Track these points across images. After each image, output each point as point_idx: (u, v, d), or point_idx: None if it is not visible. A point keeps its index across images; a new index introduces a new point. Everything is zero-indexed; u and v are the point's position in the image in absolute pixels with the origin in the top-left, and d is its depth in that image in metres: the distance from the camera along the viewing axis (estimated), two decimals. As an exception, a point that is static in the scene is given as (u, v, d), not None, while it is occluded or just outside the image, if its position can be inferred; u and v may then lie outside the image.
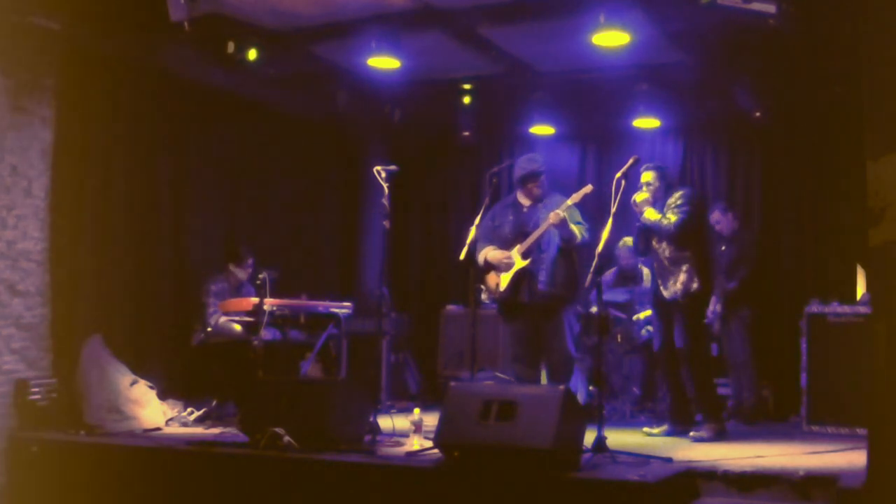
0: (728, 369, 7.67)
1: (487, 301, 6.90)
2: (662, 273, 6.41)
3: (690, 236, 6.36)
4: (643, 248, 6.60)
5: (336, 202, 9.68)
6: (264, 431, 5.36)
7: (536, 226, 6.39)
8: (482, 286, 6.70)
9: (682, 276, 6.30)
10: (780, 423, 7.52)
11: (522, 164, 6.62)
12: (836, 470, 4.78)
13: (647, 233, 6.47)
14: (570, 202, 6.30)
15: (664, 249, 6.39)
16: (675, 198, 6.36)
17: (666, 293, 6.36)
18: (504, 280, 6.45)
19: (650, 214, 6.34)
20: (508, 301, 6.49)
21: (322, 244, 9.48)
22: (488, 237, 6.57)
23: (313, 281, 8.66)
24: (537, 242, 6.37)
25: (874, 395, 4.32)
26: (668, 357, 6.48)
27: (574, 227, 6.34)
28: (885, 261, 4.28)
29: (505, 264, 6.43)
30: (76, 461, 5.80)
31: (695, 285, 6.29)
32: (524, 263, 6.38)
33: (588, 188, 6.32)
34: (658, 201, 6.40)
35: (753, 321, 7.65)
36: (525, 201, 6.60)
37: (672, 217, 6.28)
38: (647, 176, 6.48)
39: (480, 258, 6.53)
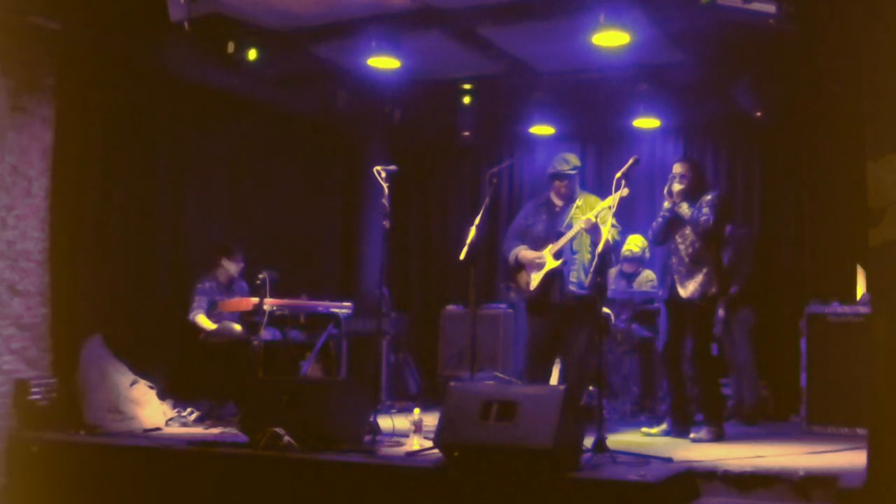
0: (729, 369, 7.67)
1: (515, 299, 6.88)
2: (681, 272, 6.33)
3: (717, 237, 6.34)
4: (663, 239, 6.49)
5: (336, 202, 9.68)
6: (264, 431, 5.35)
7: (570, 226, 6.39)
8: (511, 284, 6.71)
9: (702, 278, 6.25)
10: (780, 423, 7.51)
11: (553, 163, 6.63)
12: (836, 470, 4.77)
13: (675, 225, 6.37)
14: (605, 204, 6.23)
15: (688, 246, 6.31)
16: (711, 196, 6.30)
17: (683, 293, 6.29)
18: (535, 279, 6.46)
19: (686, 208, 6.28)
20: (538, 300, 6.50)
21: (322, 244, 9.48)
22: (520, 236, 6.59)
23: (313, 281, 8.66)
24: (569, 243, 6.38)
25: (874, 395, 4.32)
26: (671, 356, 6.46)
27: (605, 231, 6.33)
28: (885, 261, 4.27)
29: (536, 264, 6.44)
30: (76, 461, 5.79)
31: (713, 289, 6.25)
32: (556, 264, 6.39)
33: (624, 192, 6.01)
34: (690, 194, 6.32)
35: (754, 322, 7.65)
36: (558, 201, 6.61)
37: (707, 212, 6.21)
38: (680, 167, 6.39)
39: (511, 257, 6.56)
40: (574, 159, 6.69)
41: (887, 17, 4.37)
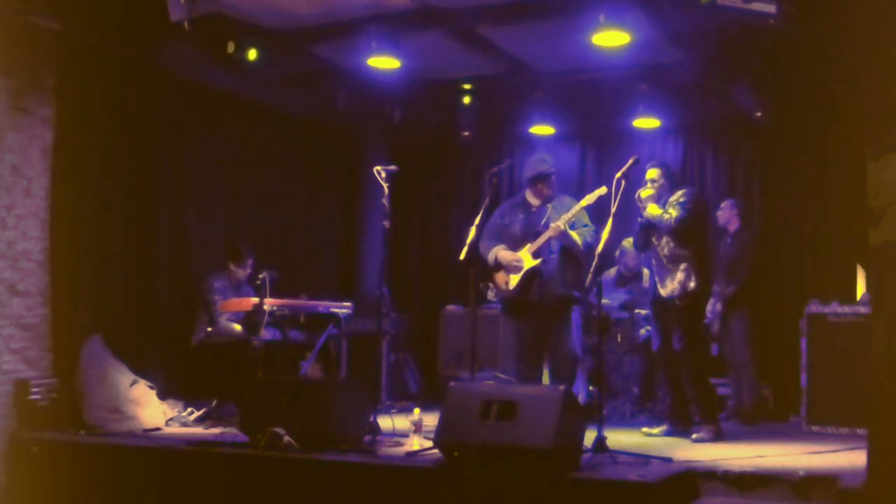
0: (728, 369, 7.67)
1: (494, 299, 6.88)
2: (661, 271, 6.41)
3: (690, 234, 6.37)
4: (643, 245, 6.60)
5: (336, 202, 9.68)
6: (264, 431, 5.35)
7: (547, 226, 6.40)
8: (490, 284, 6.71)
9: (680, 275, 6.31)
10: (780, 423, 7.52)
11: (533, 165, 6.63)
12: (836, 470, 4.78)
13: (648, 229, 6.46)
14: (584, 204, 6.30)
15: (663, 246, 6.39)
16: (678, 195, 6.37)
17: (663, 292, 6.36)
18: (514, 279, 6.46)
19: (652, 210, 6.35)
20: (517, 299, 6.50)
21: (322, 244, 9.48)
22: (497, 236, 6.59)
23: (313, 281, 8.66)
24: (547, 242, 6.39)
25: (874, 395, 4.32)
26: (667, 357, 6.47)
27: (576, 236, 6.36)
28: (885, 261, 4.28)
29: (515, 266, 6.44)
30: (76, 461, 5.79)
31: (692, 284, 6.29)
32: (535, 263, 6.39)
33: (602, 190, 6.21)
34: (662, 198, 6.41)
35: (753, 321, 7.65)
36: (534, 201, 6.61)
37: (673, 212, 6.29)
38: (652, 173, 6.49)
39: (490, 257, 6.55)
40: (550, 158, 6.73)
41: (887, 18, 4.37)
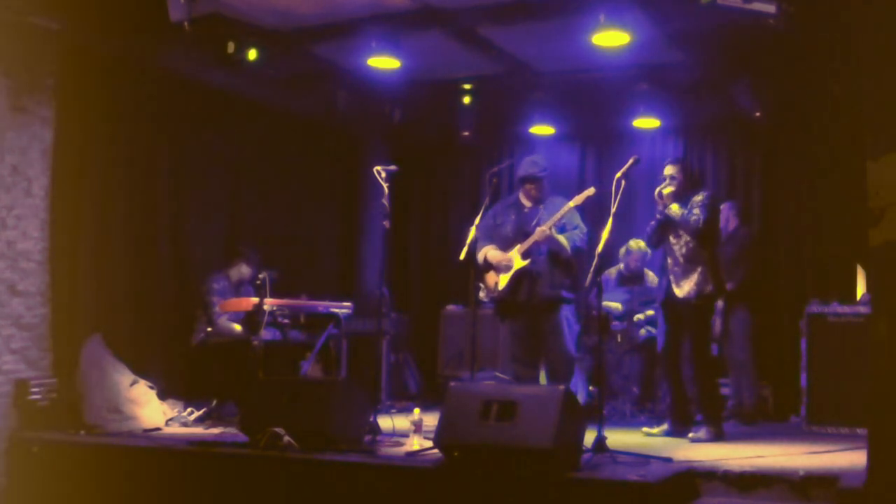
0: (728, 369, 7.67)
1: (486, 299, 6.90)
2: (676, 272, 6.35)
3: (710, 236, 6.35)
4: (657, 242, 6.52)
5: (336, 202, 9.68)
6: (264, 431, 5.36)
7: (537, 227, 6.40)
8: (481, 284, 6.70)
9: (697, 277, 6.27)
10: (780, 423, 7.52)
11: (524, 166, 6.64)
12: (836, 470, 4.78)
13: (668, 227, 6.39)
14: (571, 204, 6.32)
15: (682, 246, 6.33)
16: (702, 196, 6.32)
17: (679, 292, 6.31)
18: (503, 280, 6.46)
19: (676, 209, 6.32)
20: (507, 300, 6.50)
21: (322, 244, 9.49)
22: (489, 236, 6.59)
23: (313, 281, 8.66)
24: (537, 243, 6.39)
25: (874, 395, 4.32)
26: (671, 357, 6.46)
27: (563, 240, 6.35)
28: (885, 261, 4.28)
29: (504, 266, 6.43)
30: (76, 461, 5.79)
31: (709, 287, 6.27)
32: (524, 263, 6.39)
33: (591, 191, 6.31)
34: (681, 196, 6.36)
35: (753, 321, 7.65)
36: (526, 202, 6.62)
37: (698, 213, 6.25)
38: (670, 169, 6.42)
39: (480, 257, 6.54)
40: (543, 161, 6.71)
41: (886, 18, 4.37)
